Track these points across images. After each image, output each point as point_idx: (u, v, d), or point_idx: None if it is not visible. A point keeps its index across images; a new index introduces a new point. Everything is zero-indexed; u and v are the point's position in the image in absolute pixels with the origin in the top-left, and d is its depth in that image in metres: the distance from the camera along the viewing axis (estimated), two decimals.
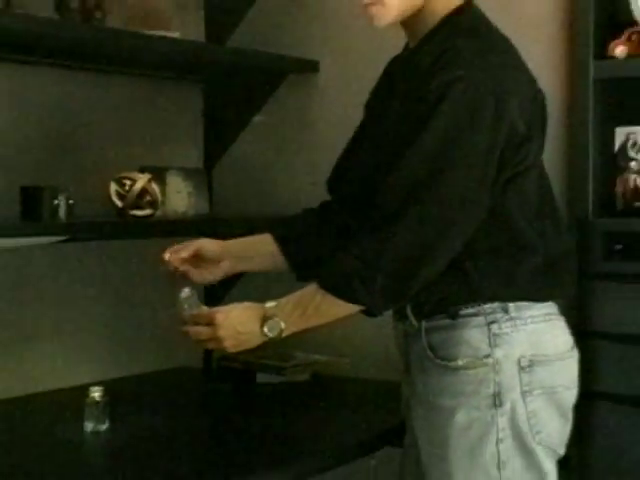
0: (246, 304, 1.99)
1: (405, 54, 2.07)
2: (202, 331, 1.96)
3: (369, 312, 1.93)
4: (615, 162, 2.44)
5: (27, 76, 2.51)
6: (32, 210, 2.25)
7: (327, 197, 2.18)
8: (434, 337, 1.96)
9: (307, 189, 2.71)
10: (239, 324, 1.95)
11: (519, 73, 1.94)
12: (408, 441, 2.13)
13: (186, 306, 2.00)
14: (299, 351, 2.63)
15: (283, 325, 1.93)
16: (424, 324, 1.97)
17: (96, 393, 2.13)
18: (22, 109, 2.52)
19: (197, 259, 2.16)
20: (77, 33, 2.32)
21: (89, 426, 2.13)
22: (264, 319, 1.94)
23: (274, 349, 2.50)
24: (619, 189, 2.41)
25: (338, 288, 1.91)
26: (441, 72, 1.88)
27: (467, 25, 1.97)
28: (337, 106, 2.71)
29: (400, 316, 2.03)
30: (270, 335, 1.93)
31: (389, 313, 2.09)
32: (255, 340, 1.95)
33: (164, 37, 2.50)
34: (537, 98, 1.98)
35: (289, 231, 2.18)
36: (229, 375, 2.71)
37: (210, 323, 1.96)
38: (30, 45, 2.34)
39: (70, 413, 2.20)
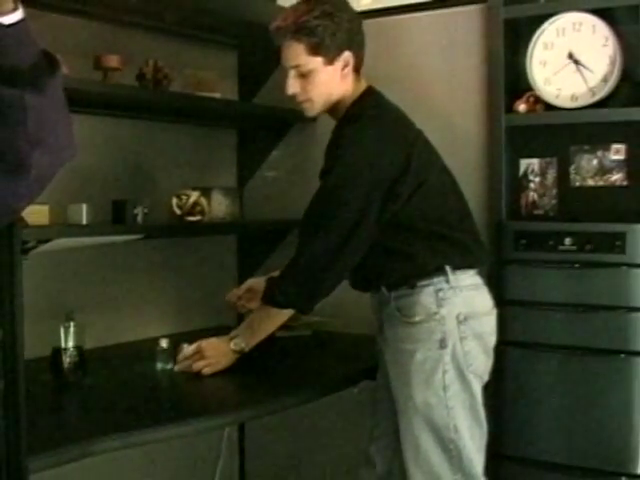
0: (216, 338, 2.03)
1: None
2: (195, 359, 2.00)
3: (300, 311, 1.95)
4: (520, 183, 2.45)
5: (116, 126, 2.50)
6: (120, 216, 2.27)
7: None
8: (400, 302, 1.96)
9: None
10: (216, 345, 2.01)
11: (390, 141, 1.89)
12: (380, 375, 2.14)
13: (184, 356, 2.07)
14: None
15: (243, 342, 1.98)
16: (393, 294, 1.97)
17: (164, 343, 2.13)
18: (113, 150, 2.51)
19: (251, 293, 2.15)
20: (151, 96, 2.35)
21: (159, 366, 2.12)
22: (230, 339, 2.00)
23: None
24: (523, 201, 2.44)
25: (268, 300, 1.94)
26: (334, 151, 1.90)
27: (355, 112, 1.94)
28: None
29: (375, 290, 2.02)
30: (236, 349, 1.98)
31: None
32: (229, 356, 1.99)
33: (210, 97, 2.51)
34: (416, 145, 1.94)
35: None
36: None
37: (198, 350, 2.00)
38: (118, 104, 2.34)
39: (146, 356, 2.19)
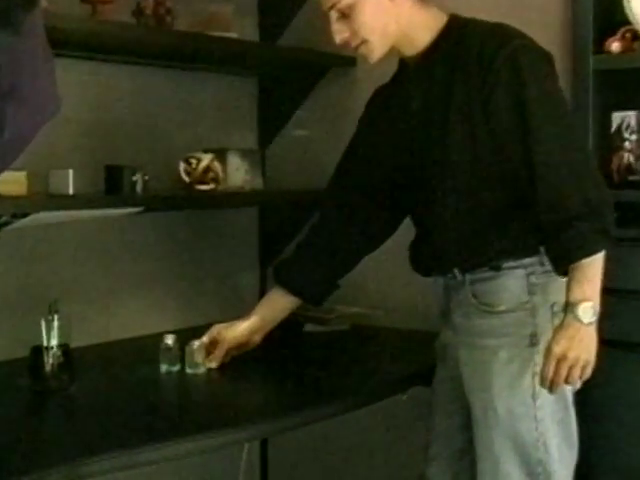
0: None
1: (410, 71, 2.02)
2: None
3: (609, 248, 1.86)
4: (611, 142, 2.41)
5: (108, 73, 2.50)
6: (115, 185, 2.28)
7: None
8: (478, 287, 1.96)
9: None
10: (572, 335, 1.83)
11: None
12: (439, 378, 2.13)
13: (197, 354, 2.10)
14: (340, 305, 2.61)
15: (591, 304, 1.84)
16: (468, 276, 1.97)
17: (169, 340, 2.14)
18: (105, 101, 2.52)
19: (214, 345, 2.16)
20: (150, 35, 2.35)
21: (163, 367, 2.13)
22: (572, 312, 1.83)
23: None
24: (615, 165, 2.39)
25: (586, 253, 1.83)
26: (497, 50, 1.87)
27: (482, 23, 1.96)
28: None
29: (442, 272, 2.02)
30: (592, 319, 1.83)
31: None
32: (591, 336, 1.85)
33: (224, 38, 2.50)
34: None
35: (298, 277, 2.16)
36: (279, 325, 2.68)
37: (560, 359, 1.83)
38: (110, 46, 2.35)
39: (148, 356, 2.21)
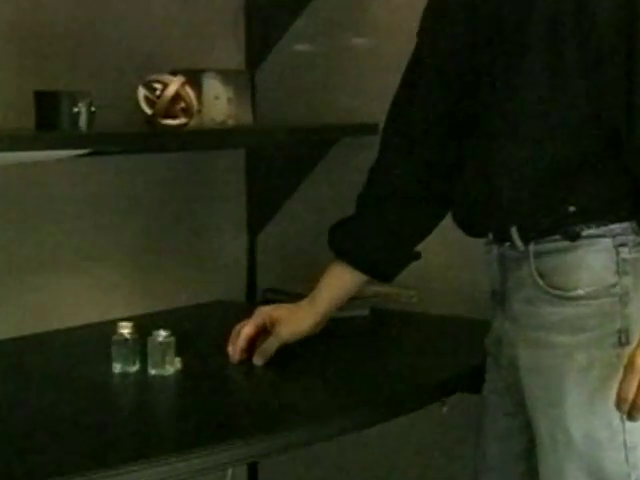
0: None
1: None
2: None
3: None
4: None
5: None
6: (48, 119, 2.26)
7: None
8: (546, 262, 1.96)
9: (372, 92, 2.69)
10: None
11: None
12: (491, 385, 2.14)
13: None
14: None
15: None
16: (533, 247, 1.96)
17: (125, 330, 2.14)
18: (34, 1, 2.51)
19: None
20: None
21: (117, 367, 2.14)
22: None
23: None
24: None
25: None
26: None
27: None
28: None
29: (498, 237, 2.03)
30: None
31: (458, 236, 2.10)
32: None
33: None
34: None
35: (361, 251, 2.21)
36: None
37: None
38: None
39: (95, 353, 2.22)
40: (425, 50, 2.16)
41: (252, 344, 2.23)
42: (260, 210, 3.00)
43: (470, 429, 2.23)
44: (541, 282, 1.95)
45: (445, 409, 2.21)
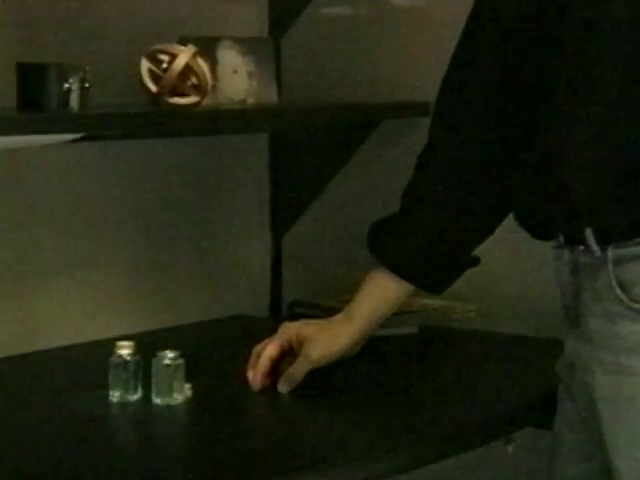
0: None
1: None
2: None
3: None
4: None
5: None
6: (33, 97, 2.27)
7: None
8: (628, 270, 1.93)
9: (421, 63, 2.69)
10: None
11: None
12: (564, 418, 2.13)
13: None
14: None
15: None
16: (612, 251, 1.93)
17: (125, 350, 2.15)
18: None
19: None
20: None
21: (115, 395, 2.14)
22: None
23: None
24: None
25: None
26: None
27: None
28: None
29: (570, 240, 2.01)
30: None
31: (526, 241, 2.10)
32: None
33: None
34: None
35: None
36: None
37: None
38: None
39: (90, 377, 2.25)
40: (486, 12, 2.15)
41: (276, 368, 2.23)
42: (286, 207, 3.03)
43: (540, 472, 2.24)
44: (622, 295, 1.92)
45: (511, 448, 2.24)
